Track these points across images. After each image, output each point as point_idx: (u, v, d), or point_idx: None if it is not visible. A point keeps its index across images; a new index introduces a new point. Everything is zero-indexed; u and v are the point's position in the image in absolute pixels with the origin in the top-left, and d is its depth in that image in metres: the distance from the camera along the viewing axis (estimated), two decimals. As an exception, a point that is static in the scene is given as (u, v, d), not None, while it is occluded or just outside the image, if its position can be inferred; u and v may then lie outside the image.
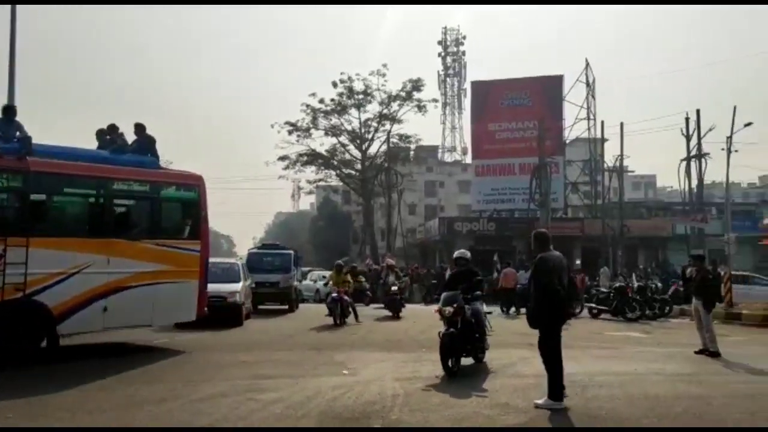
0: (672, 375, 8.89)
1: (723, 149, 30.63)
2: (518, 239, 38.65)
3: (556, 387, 6.76)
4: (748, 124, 31.05)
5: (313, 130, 47.92)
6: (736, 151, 30.89)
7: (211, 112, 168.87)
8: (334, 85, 46.86)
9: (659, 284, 21.78)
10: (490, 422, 6.20)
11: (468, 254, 10.05)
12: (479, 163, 44.67)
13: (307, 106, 47.08)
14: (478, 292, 9.40)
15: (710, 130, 36.09)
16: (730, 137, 29.96)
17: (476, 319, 9.09)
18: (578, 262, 37.09)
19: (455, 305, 8.72)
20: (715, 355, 10.74)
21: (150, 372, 8.84)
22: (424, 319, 17.38)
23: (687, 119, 37.78)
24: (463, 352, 8.74)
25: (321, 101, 47.01)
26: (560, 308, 6.93)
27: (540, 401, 6.79)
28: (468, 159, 54.87)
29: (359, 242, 54.04)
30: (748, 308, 18.05)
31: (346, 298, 16.16)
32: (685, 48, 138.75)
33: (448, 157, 69.76)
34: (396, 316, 18.35)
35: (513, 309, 20.28)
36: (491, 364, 9.57)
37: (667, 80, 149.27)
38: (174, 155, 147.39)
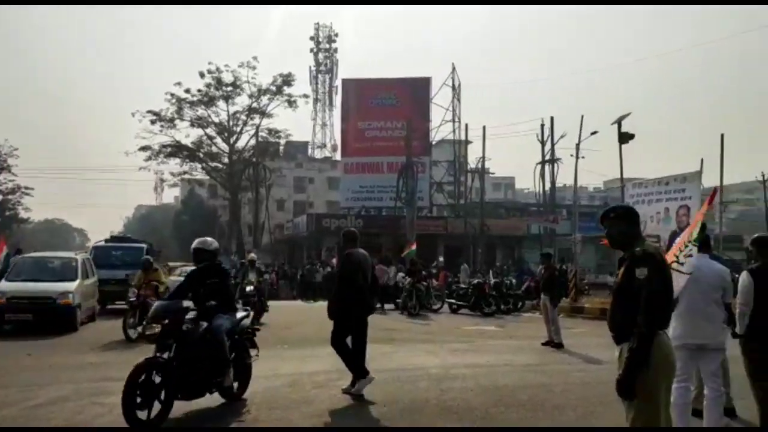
0: (520, 366, 9.44)
1: (572, 155, 32.97)
2: (385, 236, 39.44)
3: (358, 367, 7.18)
4: (594, 133, 33.70)
5: (177, 121, 46.11)
6: (583, 157, 33.37)
7: (64, 98, 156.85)
8: (202, 75, 45.42)
9: (513, 281, 23.03)
10: (346, 417, 6.25)
11: (213, 244, 7.09)
12: (348, 161, 45.06)
13: (172, 95, 45.16)
14: (213, 302, 6.44)
15: (562, 136, 38.92)
16: (578, 144, 32.31)
17: (214, 340, 6.28)
18: (441, 259, 38.51)
19: (167, 320, 6.16)
20: (559, 346, 11.55)
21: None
22: (290, 315, 17.28)
23: (542, 126, 40.41)
24: (178, 391, 5.92)
25: (187, 91, 45.30)
26: (363, 302, 7.32)
27: (353, 389, 7.06)
28: (338, 156, 55.16)
29: (225, 237, 52.53)
30: (590, 302, 19.60)
31: (150, 301, 12.09)
32: (546, 57, 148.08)
33: (318, 154, 69.64)
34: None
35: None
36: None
37: (527, 87, 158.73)
38: (22, 142, 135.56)
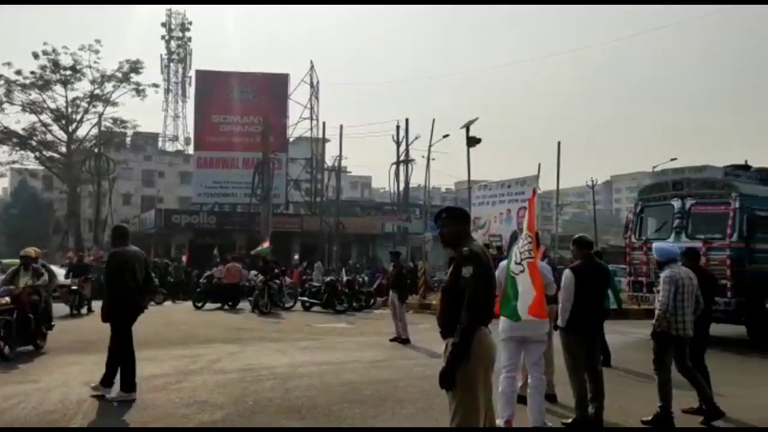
0: (367, 362, 9.62)
1: (423, 156, 34.24)
2: (239, 234, 38.57)
3: (128, 379, 6.83)
4: (446, 136, 35.18)
5: (6, 105, 41.95)
6: (434, 158, 34.79)
7: None
8: (35, 56, 41.71)
9: (366, 278, 23.45)
10: (185, 421, 6.02)
11: None
12: (201, 155, 43.50)
13: (0, 76, 41.03)
14: None
15: (416, 138, 40.28)
16: (430, 146, 33.59)
17: None
18: (296, 257, 38.36)
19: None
20: (406, 342, 11.91)
21: None
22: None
23: (398, 127, 41.55)
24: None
25: (18, 72, 41.39)
26: (132, 302, 7.06)
27: (112, 394, 6.78)
28: (191, 150, 53.05)
29: (61, 233, 48.62)
30: (438, 299, 20.41)
31: None
32: (403, 60, 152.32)
33: (169, 147, 66.69)
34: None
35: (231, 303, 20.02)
36: (197, 360, 9.34)
37: (385, 89, 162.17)
38: None
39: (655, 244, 6.93)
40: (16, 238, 44.30)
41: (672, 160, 35.44)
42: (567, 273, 6.02)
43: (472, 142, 25.31)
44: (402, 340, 12.01)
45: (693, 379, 6.24)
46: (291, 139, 45.73)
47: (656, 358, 6.17)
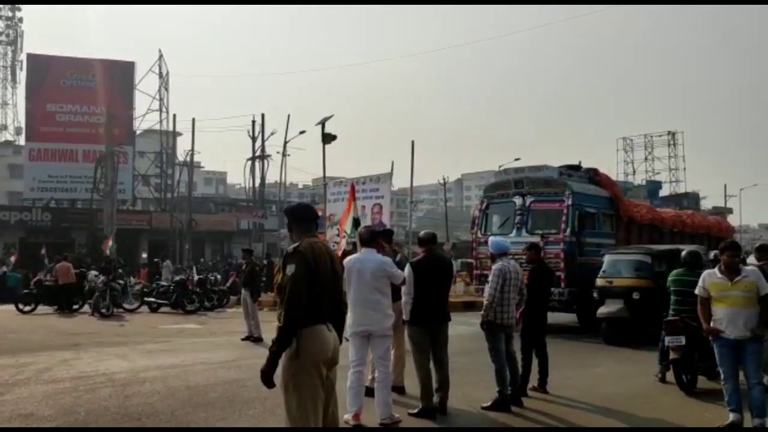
0: (216, 363, 9.31)
1: (279, 152, 33.86)
2: (79, 231, 35.87)
3: None
4: (302, 132, 35.05)
5: None
6: (289, 155, 34.52)
7: None
8: None
9: (219, 276, 22.75)
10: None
11: None
12: (34, 146, 39.77)
13: None
14: None
15: (272, 134, 39.73)
16: (285, 142, 33.32)
17: None
18: (144, 255, 36.37)
19: None
20: (258, 340, 11.69)
21: None
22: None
23: (253, 122, 40.68)
24: None
25: None
26: None
27: None
28: (22, 140, 48.44)
29: None
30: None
31: None
32: (261, 53, 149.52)
33: (-3, 137, 60.42)
34: None
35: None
36: (24, 369, 8.53)
37: (240, 83, 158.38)
38: None
39: (491, 239, 7.32)
40: None
41: (516, 159, 37.80)
42: (407, 268, 6.18)
43: (327, 138, 25.23)
44: (254, 338, 11.80)
45: (512, 363, 6.64)
46: (138, 132, 43.19)
47: (490, 347, 6.52)
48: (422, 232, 6.52)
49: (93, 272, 18.64)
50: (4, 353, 10.18)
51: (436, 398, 6.06)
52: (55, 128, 39.32)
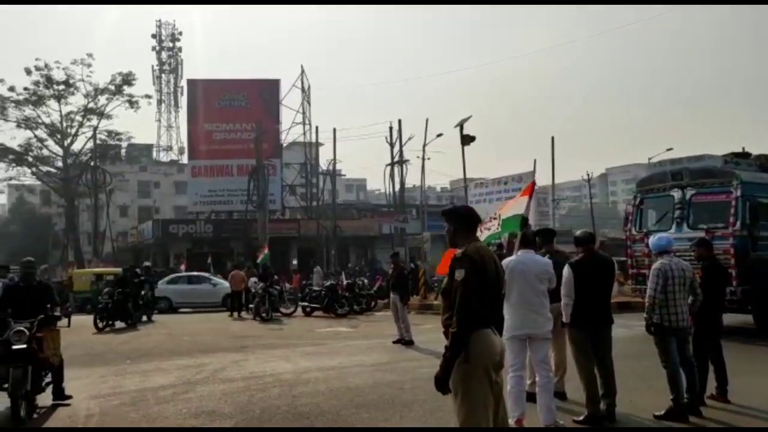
0: (371, 365, 9.57)
1: (418, 157, 34.26)
2: (236, 241, 38.48)
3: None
4: (440, 135, 35.22)
5: (1, 122, 41.80)
6: (428, 158, 34.81)
7: None
8: (28, 72, 41.48)
9: (366, 281, 23.37)
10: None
11: None
12: (196, 164, 43.41)
13: (-7, 93, 40.89)
14: None
15: (410, 139, 40.27)
16: (424, 146, 33.62)
17: None
18: (295, 261, 38.28)
19: None
20: (409, 343, 11.85)
21: None
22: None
23: (391, 128, 41.52)
24: None
25: (11, 89, 41.20)
26: None
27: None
28: (185, 159, 52.92)
29: (61, 248, 48.46)
30: (440, 299, 20.36)
31: None
32: (393, 61, 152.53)
33: (164, 157, 66.52)
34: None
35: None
36: (202, 369, 9.28)
37: (377, 90, 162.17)
38: None
39: (653, 236, 6.86)
40: (16, 255, 44.12)
41: (668, 150, 35.49)
42: (566, 269, 5.97)
43: (466, 140, 25.33)
44: (405, 341, 11.95)
45: (689, 370, 6.16)
46: (284, 145, 45.64)
47: (660, 351, 6.12)
48: (579, 232, 6.29)
49: (253, 279, 19.92)
50: (184, 354, 11.16)
51: (602, 405, 5.81)
52: (212, 146, 42.66)
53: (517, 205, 7.27)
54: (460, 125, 24.96)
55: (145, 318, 18.10)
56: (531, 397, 5.87)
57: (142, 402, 7.21)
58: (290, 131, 45.05)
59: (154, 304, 19.85)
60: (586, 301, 5.82)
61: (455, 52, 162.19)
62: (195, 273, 26.08)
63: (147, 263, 20.00)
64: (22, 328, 6.52)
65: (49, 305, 7.02)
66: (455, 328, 3.55)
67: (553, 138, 34.24)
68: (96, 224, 40.90)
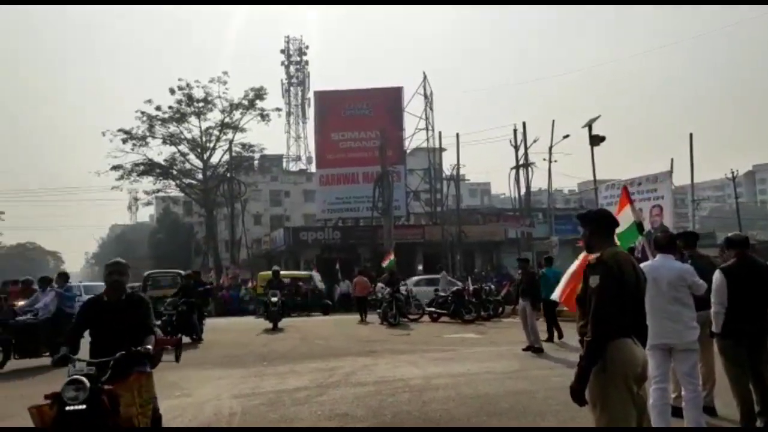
0: (501, 373, 9.41)
1: (545, 159, 33.36)
2: (363, 247, 39.34)
3: None
4: (566, 137, 34.09)
5: (149, 139, 45.65)
6: (555, 161, 33.79)
7: (31, 119, 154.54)
8: (172, 92, 44.99)
9: (493, 286, 23.06)
10: (330, 434, 6.16)
11: None
12: (323, 173, 44.93)
13: (143, 113, 44.74)
14: None
15: (534, 141, 39.28)
16: (550, 148, 32.69)
17: None
18: (420, 267, 38.50)
19: None
20: (539, 351, 11.55)
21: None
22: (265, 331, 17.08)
23: (515, 131, 40.75)
24: None
25: (158, 108, 44.87)
26: None
27: None
28: (313, 168, 54.98)
29: (202, 255, 51.98)
30: (568, 306, 19.65)
31: None
32: (512, 63, 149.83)
33: (293, 167, 69.45)
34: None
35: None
36: (334, 373, 9.57)
37: (498, 93, 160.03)
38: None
39: None
40: (163, 261, 47.92)
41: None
42: (717, 275, 5.54)
43: (595, 140, 24.39)
44: (535, 349, 11.66)
45: None
46: (408, 151, 46.11)
47: None
48: (732, 234, 5.83)
49: (379, 284, 20.29)
50: (316, 358, 11.56)
51: (759, 422, 5.33)
52: (338, 155, 43.99)
53: (623, 217, 6.91)
54: (589, 125, 24.06)
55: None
56: (677, 412, 5.52)
57: (279, 403, 7.54)
58: (413, 137, 45.55)
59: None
60: (739, 309, 5.38)
61: (580, 50, 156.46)
62: None
63: (276, 267, 20.37)
64: (79, 377, 4.13)
65: (140, 333, 4.63)
66: (590, 337, 3.44)
67: (691, 135, 32.19)
68: (233, 232, 43.46)
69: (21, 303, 11.87)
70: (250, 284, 31.68)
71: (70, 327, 4.83)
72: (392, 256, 21.81)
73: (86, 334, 4.84)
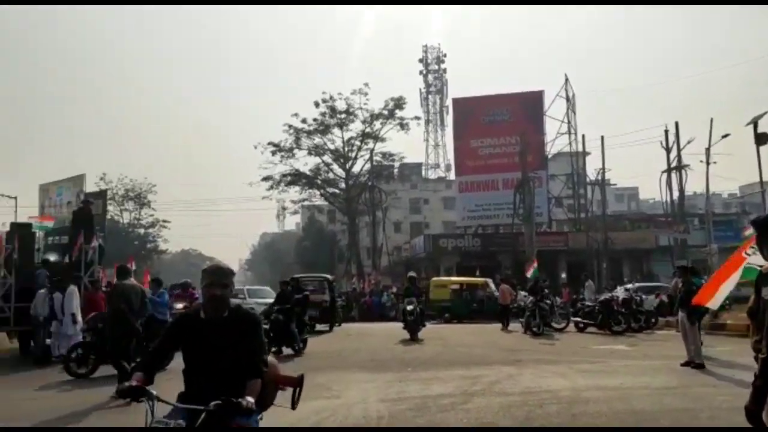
0: (658, 388, 8.84)
1: (702, 161, 30.97)
2: (503, 254, 38.73)
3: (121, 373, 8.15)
4: (726, 136, 31.42)
5: (296, 150, 48.07)
6: (714, 162, 31.25)
7: (192, 134, 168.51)
8: (317, 105, 47.06)
9: (644, 296, 21.76)
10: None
11: None
12: (463, 180, 44.88)
13: (290, 126, 47.22)
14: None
15: (689, 142, 36.57)
16: (708, 149, 30.30)
17: None
18: (563, 275, 37.23)
19: None
20: (700, 366, 10.71)
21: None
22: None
23: (666, 132, 38.30)
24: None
25: (303, 121, 47.14)
26: (121, 323, 8.75)
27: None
28: (452, 175, 55.11)
29: (345, 261, 53.78)
30: (733, 318, 18.10)
31: None
32: (661, 61, 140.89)
33: (432, 174, 69.98)
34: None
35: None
36: (478, 381, 9.49)
37: (644, 93, 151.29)
38: (156, 178, 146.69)
39: None
40: (309, 268, 50.14)
41: None
42: None
43: (761, 139, 22.34)
44: (695, 364, 10.83)
45: None
46: (550, 156, 44.85)
47: None
48: None
49: (522, 293, 19.88)
50: (459, 365, 11.54)
51: None
52: (478, 162, 43.77)
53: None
54: (754, 123, 22.08)
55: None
56: None
57: (425, 409, 7.60)
58: (555, 142, 44.27)
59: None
60: None
61: (729, 45, 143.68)
62: None
63: (412, 273, 19.05)
64: None
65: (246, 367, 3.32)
66: (765, 354, 3.15)
67: None
68: (374, 239, 44.57)
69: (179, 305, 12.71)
70: (393, 290, 32.25)
71: (153, 345, 3.60)
72: (536, 264, 21.30)
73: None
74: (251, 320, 3.51)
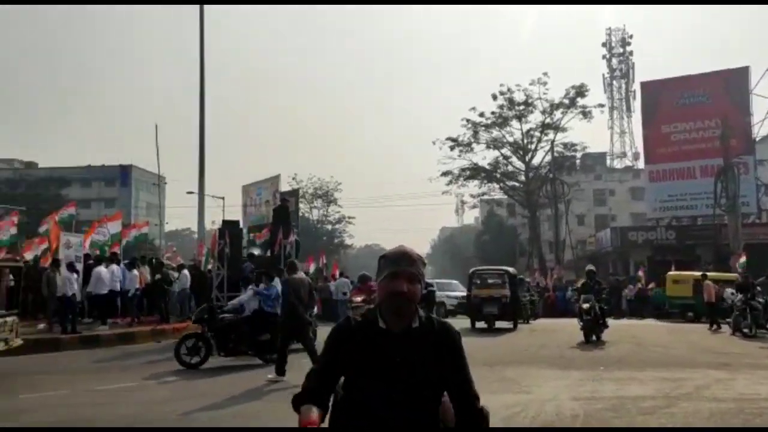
0: None
1: None
2: (703, 247, 35.49)
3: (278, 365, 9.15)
4: None
5: (474, 145, 47.84)
6: None
7: (376, 134, 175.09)
8: (494, 97, 46.40)
9: None
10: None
11: None
12: (653, 168, 41.71)
13: (468, 120, 47.09)
14: None
15: None
16: None
17: None
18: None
19: None
20: None
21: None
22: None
23: None
24: None
25: (481, 115, 46.76)
26: (293, 316, 9.38)
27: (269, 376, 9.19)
28: (639, 164, 51.67)
29: (526, 255, 52.69)
30: None
31: None
32: None
33: (617, 164, 66.19)
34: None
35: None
36: (682, 384, 8.76)
37: None
38: (341, 177, 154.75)
39: None
40: (489, 262, 49.81)
41: None
42: None
43: None
44: None
45: None
46: (757, 139, 40.16)
47: None
48: None
49: (729, 290, 18.03)
50: (657, 366, 10.73)
51: None
52: (670, 149, 40.44)
53: None
54: None
55: None
56: None
57: (623, 410, 7.15)
58: (764, 123, 39.57)
59: None
60: None
61: None
62: None
63: (590, 267, 16.67)
64: None
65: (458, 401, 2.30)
66: None
67: None
68: (556, 233, 43.06)
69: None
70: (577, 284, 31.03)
71: (314, 367, 2.37)
72: (743, 258, 19.21)
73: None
74: (454, 336, 2.34)
